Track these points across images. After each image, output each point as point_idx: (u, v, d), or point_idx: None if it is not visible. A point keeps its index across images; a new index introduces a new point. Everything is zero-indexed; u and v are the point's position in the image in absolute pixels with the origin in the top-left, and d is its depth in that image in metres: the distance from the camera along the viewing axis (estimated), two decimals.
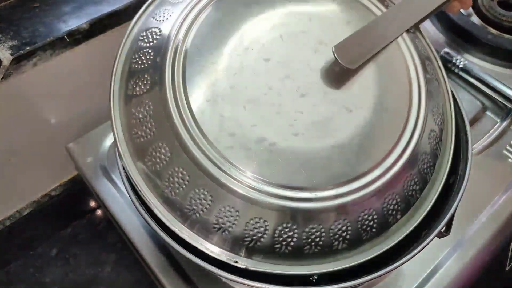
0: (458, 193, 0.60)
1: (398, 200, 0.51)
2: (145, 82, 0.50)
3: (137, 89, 0.50)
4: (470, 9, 1.06)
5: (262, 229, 0.46)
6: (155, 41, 0.52)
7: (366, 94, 0.52)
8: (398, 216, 0.53)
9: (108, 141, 0.90)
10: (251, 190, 0.45)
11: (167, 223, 0.48)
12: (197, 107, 0.48)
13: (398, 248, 0.57)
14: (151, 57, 0.51)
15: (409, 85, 0.54)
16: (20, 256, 0.99)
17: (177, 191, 0.47)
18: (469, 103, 0.95)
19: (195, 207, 0.47)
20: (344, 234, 0.48)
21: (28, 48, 0.73)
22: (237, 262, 0.48)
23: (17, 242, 0.98)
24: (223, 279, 0.69)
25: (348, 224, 0.48)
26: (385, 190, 0.49)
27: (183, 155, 0.46)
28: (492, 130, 0.91)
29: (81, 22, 0.78)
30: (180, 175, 0.47)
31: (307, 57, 0.53)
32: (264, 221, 0.46)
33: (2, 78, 0.72)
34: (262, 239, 0.47)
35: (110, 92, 0.52)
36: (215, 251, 0.48)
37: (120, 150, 0.50)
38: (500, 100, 0.93)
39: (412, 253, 0.54)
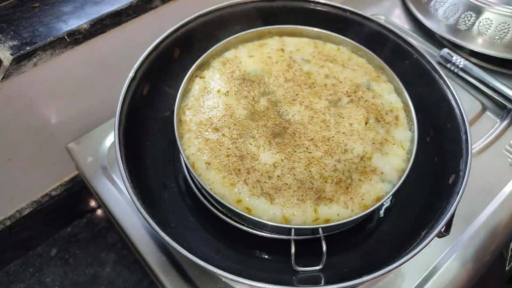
0: (458, 193, 0.60)
1: None
2: None
3: None
4: None
5: None
6: None
7: None
8: None
9: (108, 141, 0.90)
10: None
11: None
12: None
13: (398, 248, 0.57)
14: None
15: None
16: (20, 255, 0.99)
17: None
18: (469, 103, 0.95)
19: None
20: None
21: (28, 48, 0.72)
22: None
23: (17, 241, 0.98)
24: (223, 279, 0.69)
25: None
26: None
27: None
28: (492, 130, 0.91)
29: (81, 22, 0.78)
30: None
31: None
32: None
33: (3, 78, 0.72)
34: None
35: None
36: None
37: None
38: (500, 100, 0.93)
39: (412, 253, 0.54)
